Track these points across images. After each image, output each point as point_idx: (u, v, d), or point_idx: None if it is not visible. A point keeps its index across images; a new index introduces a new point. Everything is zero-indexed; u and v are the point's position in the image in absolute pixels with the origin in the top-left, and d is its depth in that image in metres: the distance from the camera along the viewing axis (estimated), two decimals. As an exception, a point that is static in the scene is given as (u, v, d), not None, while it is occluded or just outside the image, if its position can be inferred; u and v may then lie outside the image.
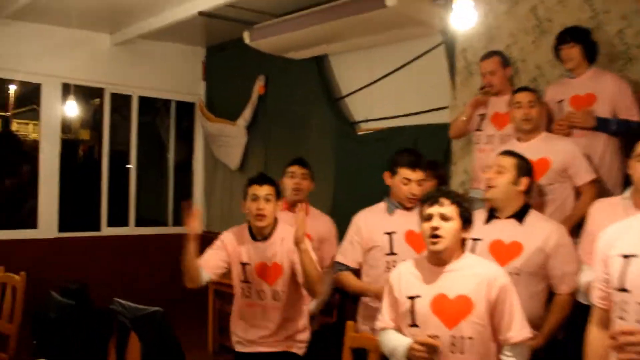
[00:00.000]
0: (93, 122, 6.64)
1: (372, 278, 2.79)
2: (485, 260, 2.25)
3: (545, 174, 2.91)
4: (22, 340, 3.22)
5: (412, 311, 2.14)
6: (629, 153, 2.15)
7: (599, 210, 2.46)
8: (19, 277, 3.35)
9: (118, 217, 6.27)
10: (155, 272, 6.13)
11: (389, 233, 2.78)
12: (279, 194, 2.84)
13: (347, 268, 2.86)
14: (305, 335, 2.93)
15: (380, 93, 4.91)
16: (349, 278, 2.85)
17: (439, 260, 2.16)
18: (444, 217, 2.12)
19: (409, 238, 2.77)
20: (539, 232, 2.52)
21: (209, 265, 2.82)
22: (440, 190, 2.24)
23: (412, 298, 2.15)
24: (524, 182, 2.56)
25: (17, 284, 3.35)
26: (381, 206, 2.90)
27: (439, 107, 4.37)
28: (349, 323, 2.47)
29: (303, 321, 2.93)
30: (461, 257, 2.17)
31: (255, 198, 2.77)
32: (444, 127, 4.12)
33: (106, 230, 6.17)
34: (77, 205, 6.14)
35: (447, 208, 2.13)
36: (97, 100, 6.43)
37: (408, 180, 2.76)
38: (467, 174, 4.05)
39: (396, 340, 2.17)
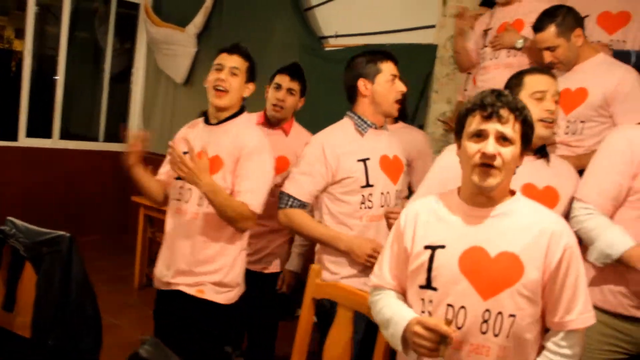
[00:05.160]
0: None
1: (340, 216, 2.21)
2: (544, 207, 1.57)
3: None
4: None
5: (429, 267, 1.50)
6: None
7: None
8: None
9: (41, 129, 5.60)
10: (80, 193, 5.63)
11: (363, 160, 2.19)
12: (252, 75, 2.31)
13: (301, 204, 2.20)
14: (227, 278, 2.27)
15: (355, 5, 4.31)
16: (304, 218, 2.21)
17: (479, 200, 1.52)
18: (504, 139, 1.47)
19: (384, 165, 2.22)
20: (567, 175, 1.99)
21: (167, 180, 2.38)
22: (499, 94, 1.50)
23: (432, 248, 1.51)
24: None
25: None
26: (347, 125, 2.27)
27: (424, 26, 3.79)
28: (314, 266, 1.89)
29: (227, 256, 2.26)
30: (511, 198, 1.54)
31: (220, 68, 2.25)
32: (427, 49, 3.67)
33: (24, 141, 5.48)
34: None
35: (510, 126, 1.47)
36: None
37: (395, 76, 2.22)
38: (450, 105, 3.59)
39: (394, 312, 1.55)
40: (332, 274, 2.16)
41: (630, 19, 2.49)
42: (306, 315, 1.86)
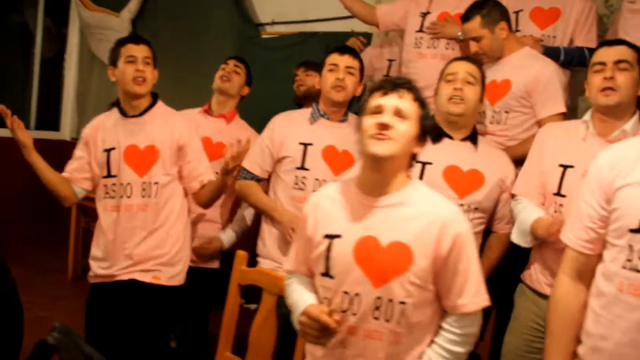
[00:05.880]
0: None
1: (279, 193, 2.36)
2: (438, 194, 1.60)
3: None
4: None
5: (327, 256, 1.54)
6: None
7: (552, 136, 2.05)
8: None
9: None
10: (10, 182, 5.31)
11: (304, 144, 2.32)
12: (156, 62, 2.40)
13: (254, 177, 2.42)
14: (177, 255, 2.35)
15: (293, -8, 4.30)
16: (254, 189, 2.42)
17: (374, 185, 1.54)
18: (399, 114, 1.50)
19: (327, 154, 2.32)
20: (497, 161, 2.14)
21: (74, 176, 2.41)
22: (400, 78, 1.63)
23: (330, 237, 1.55)
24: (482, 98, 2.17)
25: None
26: (306, 112, 2.45)
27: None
28: (240, 253, 1.90)
29: (175, 236, 2.36)
30: (406, 186, 1.56)
31: (133, 59, 2.30)
32: (365, 37, 3.64)
33: (-55, 130, 5.16)
34: None
35: (407, 103, 1.52)
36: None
37: (335, 65, 2.33)
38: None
39: (297, 298, 1.61)
40: (263, 247, 2.35)
41: (560, 15, 2.59)
42: (232, 301, 1.88)
